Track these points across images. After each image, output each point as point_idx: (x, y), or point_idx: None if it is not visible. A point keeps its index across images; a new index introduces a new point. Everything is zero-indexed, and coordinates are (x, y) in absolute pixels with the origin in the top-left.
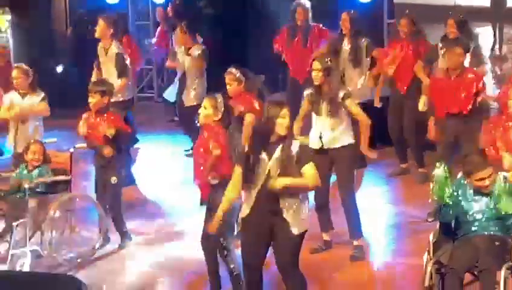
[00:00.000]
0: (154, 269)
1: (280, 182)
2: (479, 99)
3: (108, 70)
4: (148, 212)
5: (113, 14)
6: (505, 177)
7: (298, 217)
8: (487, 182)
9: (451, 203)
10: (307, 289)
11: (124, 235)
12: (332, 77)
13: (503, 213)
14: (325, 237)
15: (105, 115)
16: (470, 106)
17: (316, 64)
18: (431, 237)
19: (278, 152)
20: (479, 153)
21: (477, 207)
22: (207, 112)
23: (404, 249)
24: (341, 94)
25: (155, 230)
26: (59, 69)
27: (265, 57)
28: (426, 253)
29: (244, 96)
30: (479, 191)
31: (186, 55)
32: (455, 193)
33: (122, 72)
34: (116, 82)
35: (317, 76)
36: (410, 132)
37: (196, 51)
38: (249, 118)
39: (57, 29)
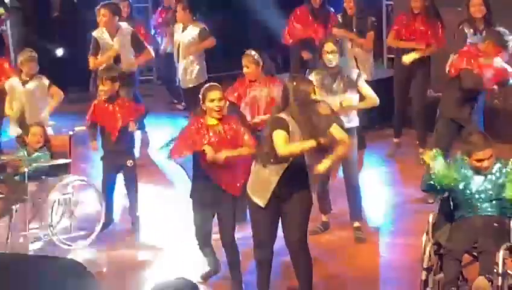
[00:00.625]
0: (153, 251)
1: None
2: None
3: (124, 50)
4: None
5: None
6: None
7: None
8: (486, 163)
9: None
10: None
11: (137, 219)
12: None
13: (506, 199)
14: (324, 218)
15: (118, 101)
16: None
17: (330, 46)
18: (430, 218)
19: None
20: (480, 133)
21: (475, 188)
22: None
23: (403, 230)
24: (354, 75)
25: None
26: (59, 52)
27: (264, 38)
28: (425, 234)
29: (264, 78)
30: (477, 172)
31: (182, 33)
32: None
33: (141, 45)
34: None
35: (333, 58)
36: (419, 114)
37: (193, 30)
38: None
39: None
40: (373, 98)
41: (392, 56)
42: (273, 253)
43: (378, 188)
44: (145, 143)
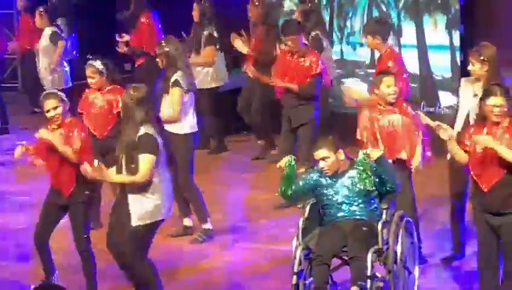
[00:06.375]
0: None
1: None
2: None
3: None
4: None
5: None
6: (366, 154)
7: None
8: (321, 164)
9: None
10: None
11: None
12: None
13: (361, 188)
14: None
15: None
16: None
17: None
18: (300, 222)
19: None
20: (325, 136)
21: (332, 191)
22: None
23: (273, 235)
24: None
25: None
26: None
27: None
28: (295, 238)
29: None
30: (332, 177)
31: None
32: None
33: None
34: None
35: None
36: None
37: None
38: None
39: None
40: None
41: None
42: None
43: (245, 193)
44: None
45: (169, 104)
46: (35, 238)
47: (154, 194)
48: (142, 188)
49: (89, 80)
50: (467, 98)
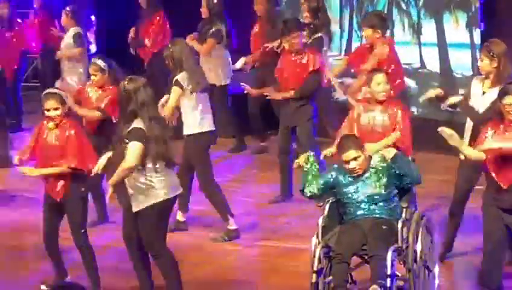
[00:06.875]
0: None
1: None
2: None
3: None
4: None
5: None
6: (381, 157)
7: None
8: (351, 164)
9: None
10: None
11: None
12: None
13: (377, 191)
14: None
15: None
16: None
17: None
18: (320, 220)
19: None
20: (348, 135)
21: (355, 190)
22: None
23: (293, 233)
24: None
25: None
26: None
27: None
28: (315, 237)
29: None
30: (352, 174)
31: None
32: (330, 178)
33: None
34: None
35: None
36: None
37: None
38: None
39: None
40: None
41: None
42: None
43: (257, 190)
44: None
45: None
46: (45, 240)
47: (153, 178)
48: (138, 176)
49: (92, 77)
50: (476, 97)
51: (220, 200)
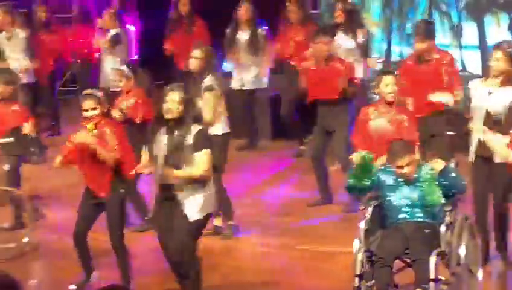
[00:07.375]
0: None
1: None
2: None
3: None
4: None
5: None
6: (431, 169)
7: None
8: (405, 169)
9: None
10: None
11: None
12: None
13: (429, 204)
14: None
15: None
16: None
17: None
18: (362, 224)
19: None
20: (401, 140)
21: (399, 195)
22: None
23: (335, 236)
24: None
25: None
26: None
27: None
28: (357, 240)
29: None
30: (401, 179)
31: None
32: (376, 178)
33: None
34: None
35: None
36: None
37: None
38: None
39: None
40: None
41: None
42: None
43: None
44: None
45: (204, 109)
46: (75, 237)
47: (205, 186)
48: (195, 183)
49: (118, 83)
50: (482, 98)
51: (226, 199)
